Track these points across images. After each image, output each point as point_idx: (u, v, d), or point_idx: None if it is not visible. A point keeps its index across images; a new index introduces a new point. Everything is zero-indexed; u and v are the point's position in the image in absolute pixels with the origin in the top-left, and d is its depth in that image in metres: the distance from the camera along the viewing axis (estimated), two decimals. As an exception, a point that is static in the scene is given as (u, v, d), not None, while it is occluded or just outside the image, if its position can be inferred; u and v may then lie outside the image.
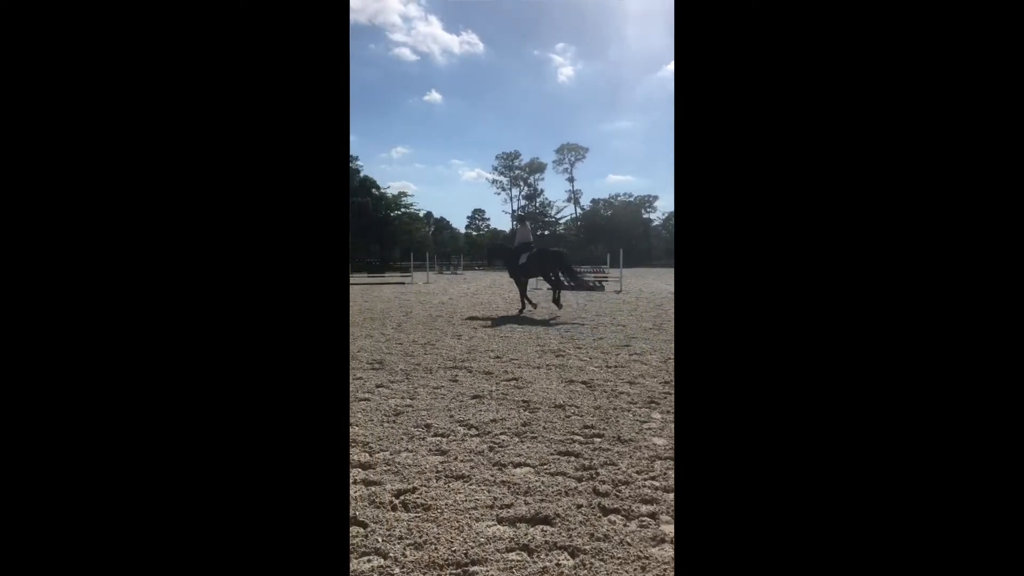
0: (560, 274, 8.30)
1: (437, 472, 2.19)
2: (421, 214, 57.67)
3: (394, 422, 2.86)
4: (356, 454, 2.39)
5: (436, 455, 2.39)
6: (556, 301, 8.37)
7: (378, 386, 3.66)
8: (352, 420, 2.89)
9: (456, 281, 21.33)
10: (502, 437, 2.62)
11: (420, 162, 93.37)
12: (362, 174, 54.77)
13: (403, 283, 18.59)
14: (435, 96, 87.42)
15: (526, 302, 8.62)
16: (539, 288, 13.19)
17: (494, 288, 15.73)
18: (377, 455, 2.38)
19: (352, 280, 19.36)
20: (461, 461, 2.31)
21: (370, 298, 12.08)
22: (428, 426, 2.78)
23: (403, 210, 56.25)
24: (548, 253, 8.54)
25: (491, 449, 2.45)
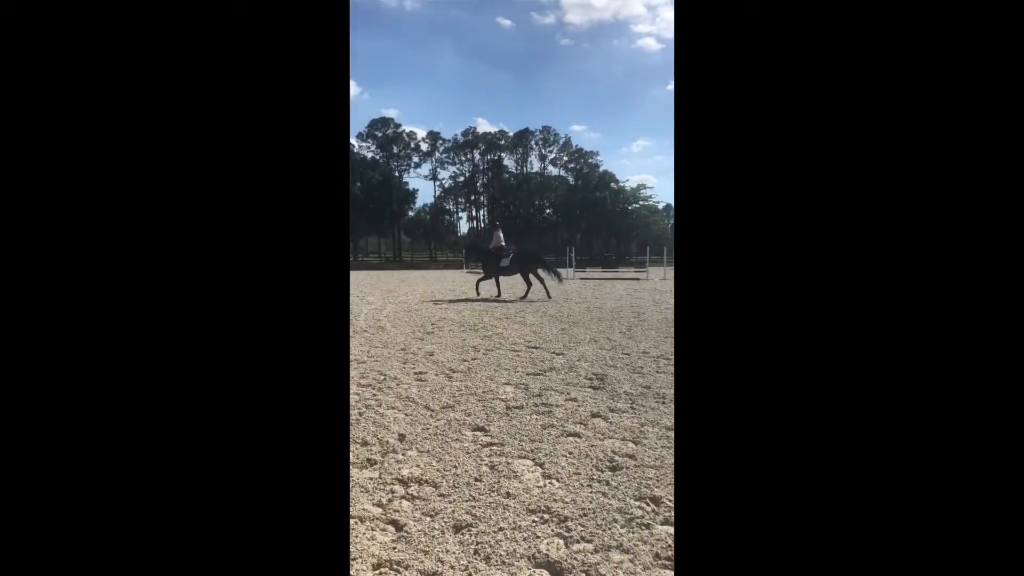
0: (541, 271, 10.42)
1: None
2: (660, 207, 55.50)
3: (607, 485, 2.02)
4: (541, 559, 1.62)
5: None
6: (544, 292, 10.59)
7: (593, 415, 2.87)
8: (550, 469, 2.15)
9: (696, 278, 19.38)
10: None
11: (660, 154, 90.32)
12: (601, 169, 55.28)
13: (637, 279, 17.63)
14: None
15: (496, 288, 10.74)
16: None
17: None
18: (575, 560, 1.57)
19: (586, 274, 19.20)
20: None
21: (600, 294, 11.49)
22: (657, 500, 1.87)
23: (641, 203, 54.94)
24: (529, 256, 10.68)
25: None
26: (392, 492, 1.94)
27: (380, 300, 10.44)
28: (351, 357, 4.56)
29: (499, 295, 10.47)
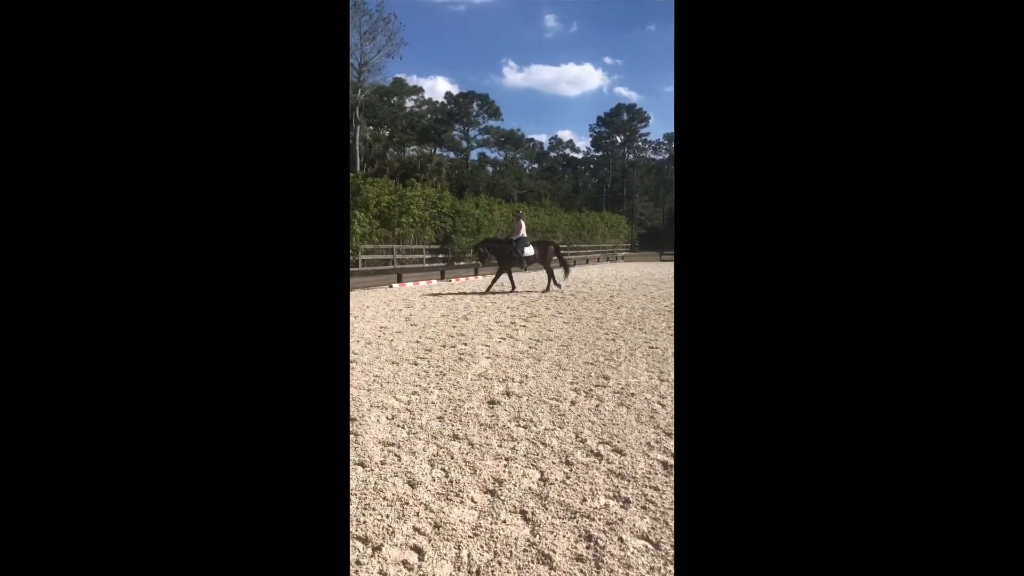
0: (558, 258, 10.59)
1: None
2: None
3: None
4: None
5: None
6: (557, 282, 10.64)
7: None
8: None
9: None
10: None
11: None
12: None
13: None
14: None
15: (512, 283, 10.62)
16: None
17: None
18: None
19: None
20: None
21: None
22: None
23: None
24: (549, 243, 10.75)
25: None
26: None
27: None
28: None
29: (514, 288, 10.36)
